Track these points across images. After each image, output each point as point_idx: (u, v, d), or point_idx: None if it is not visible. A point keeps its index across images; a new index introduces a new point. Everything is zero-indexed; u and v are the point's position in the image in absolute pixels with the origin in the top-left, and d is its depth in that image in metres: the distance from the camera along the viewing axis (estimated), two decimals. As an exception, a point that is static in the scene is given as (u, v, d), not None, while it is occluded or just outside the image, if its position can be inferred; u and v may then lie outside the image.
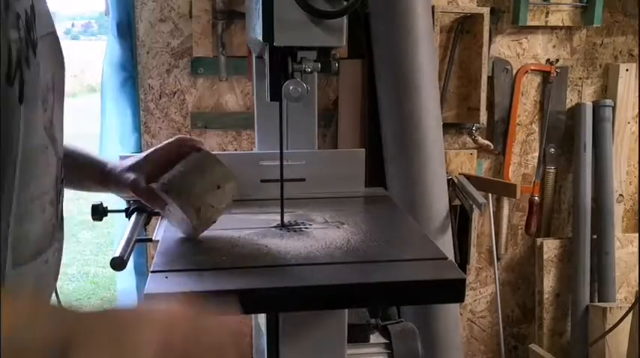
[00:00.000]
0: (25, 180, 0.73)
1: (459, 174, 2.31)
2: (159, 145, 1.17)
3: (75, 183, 1.13)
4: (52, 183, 0.81)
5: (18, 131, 0.71)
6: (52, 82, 0.80)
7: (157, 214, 1.21)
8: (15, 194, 0.71)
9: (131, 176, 1.11)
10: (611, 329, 2.22)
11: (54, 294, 1.21)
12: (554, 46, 2.36)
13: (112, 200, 1.25)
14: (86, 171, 1.15)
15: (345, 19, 1.10)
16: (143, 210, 1.20)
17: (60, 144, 0.86)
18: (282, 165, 1.22)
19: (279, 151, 1.24)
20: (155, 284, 0.93)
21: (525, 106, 2.40)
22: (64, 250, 0.92)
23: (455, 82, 2.28)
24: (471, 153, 2.35)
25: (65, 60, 0.87)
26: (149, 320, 0.57)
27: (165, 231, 1.17)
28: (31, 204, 0.76)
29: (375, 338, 1.41)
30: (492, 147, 2.36)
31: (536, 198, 2.42)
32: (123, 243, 1.08)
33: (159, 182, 1.08)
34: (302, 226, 1.20)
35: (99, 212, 1.24)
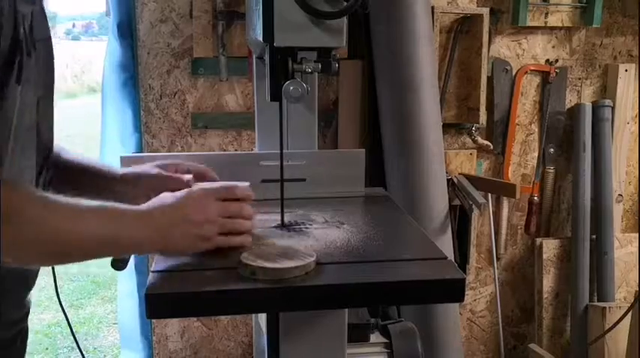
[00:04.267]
0: (16, 148, 0.88)
1: (459, 174, 2.32)
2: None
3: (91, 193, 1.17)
4: (34, 161, 0.94)
5: (14, 106, 0.86)
6: (43, 81, 0.94)
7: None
8: (8, 157, 0.87)
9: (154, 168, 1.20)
10: (610, 329, 2.23)
11: (54, 293, 1.22)
12: (553, 47, 2.37)
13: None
14: (101, 180, 1.17)
15: (345, 20, 1.10)
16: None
17: (45, 136, 0.99)
18: (282, 165, 1.23)
19: (279, 151, 1.24)
20: (156, 283, 0.94)
21: (525, 106, 2.40)
22: None
23: (454, 83, 2.28)
24: (471, 154, 2.35)
25: (55, 65, 1.01)
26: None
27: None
28: (24, 169, 0.92)
29: (375, 337, 1.41)
30: (492, 147, 2.36)
31: (535, 198, 2.42)
32: (124, 242, 1.08)
33: None
34: (302, 226, 1.20)
35: None
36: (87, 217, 0.87)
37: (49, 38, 0.97)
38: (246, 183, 1.10)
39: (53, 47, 0.99)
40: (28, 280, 1.01)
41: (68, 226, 0.85)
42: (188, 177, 1.17)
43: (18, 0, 0.85)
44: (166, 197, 0.99)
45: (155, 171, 1.19)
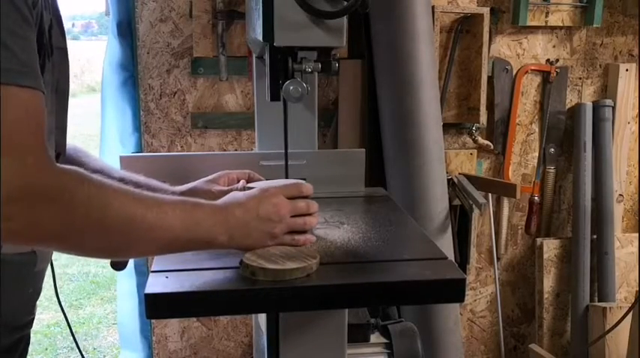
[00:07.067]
0: None
1: (459, 174, 2.31)
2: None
3: None
4: None
5: None
6: (59, 87, 0.95)
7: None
8: None
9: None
10: (610, 329, 2.22)
11: (54, 293, 1.21)
12: (554, 46, 2.37)
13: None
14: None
15: (345, 20, 1.10)
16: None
17: (59, 141, 0.99)
18: (286, 164, 1.22)
19: (278, 151, 1.24)
20: (155, 283, 0.93)
21: (525, 106, 2.40)
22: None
23: (455, 82, 2.28)
24: (471, 153, 2.35)
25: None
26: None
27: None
28: None
29: (375, 337, 1.41)
30: (492, 147, 2.36)
31: (536, 197, 2.42)
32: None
33: None
34: (302, 226, 1.20)
35: None
36: (164, 207, 0.87)
37: (65, 48, 0.98)
38: (301, 181, 1.12)
39: (69, 57, 1.00)
40: (36, 283, 1.00)
41: (143, 214, 0.83)
42: (241, 184, 1.19)
43: (43, 5, 0.85)
44: (239, 195, 0.99)
45: (215, 188, 1.19)
